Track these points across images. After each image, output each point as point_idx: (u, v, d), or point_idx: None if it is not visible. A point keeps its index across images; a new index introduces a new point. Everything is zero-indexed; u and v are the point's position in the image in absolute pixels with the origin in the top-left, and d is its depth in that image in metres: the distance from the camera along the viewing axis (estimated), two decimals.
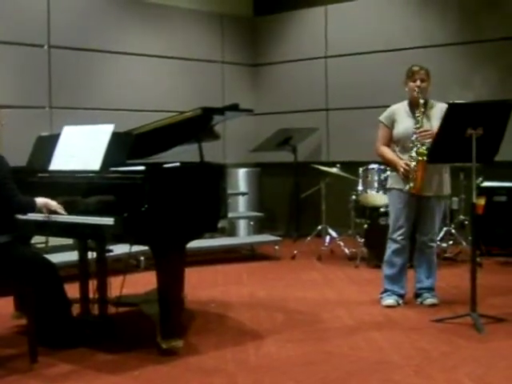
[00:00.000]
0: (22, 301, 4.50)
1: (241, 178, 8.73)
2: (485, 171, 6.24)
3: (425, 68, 5.02)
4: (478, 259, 6.14)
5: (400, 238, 5.03)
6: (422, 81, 4.95)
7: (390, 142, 5.09)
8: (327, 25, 8.76)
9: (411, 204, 5.00)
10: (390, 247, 5.10)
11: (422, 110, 4.86)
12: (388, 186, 5.21)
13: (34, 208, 3.96)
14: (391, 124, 5.05)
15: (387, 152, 5.07)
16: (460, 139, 4.40)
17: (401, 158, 4.96)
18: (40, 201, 3.97)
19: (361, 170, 6.93)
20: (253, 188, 8.75)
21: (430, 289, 5.10)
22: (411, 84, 4.97)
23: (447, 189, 5.10)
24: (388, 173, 5.47)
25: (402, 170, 4.88)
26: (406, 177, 4.88)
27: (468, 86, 7.44)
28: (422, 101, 4.87)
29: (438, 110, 4.93)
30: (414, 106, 4.99)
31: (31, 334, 3.80)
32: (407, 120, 4.99)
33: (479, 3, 7.74)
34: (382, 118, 5.14)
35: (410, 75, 4.98)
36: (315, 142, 8.87)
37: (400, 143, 5.01)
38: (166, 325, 3.98)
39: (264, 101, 9.23)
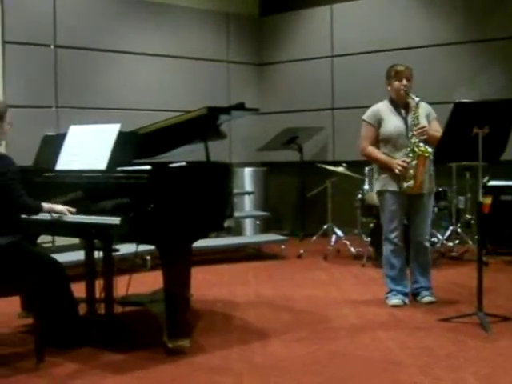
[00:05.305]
0: (28, 300, 4.52)
1: (247, 178, 8.74)
2: (491, 170, 6.22)
3: (409, 67, 5.02)
4: (485, 258, 6.14)
5: (396, 239, 5.03)
6: (408, 80, 4.96)
7: (376, 141, 5.04)
8: (333, 24, 8.75)
9: (403, 204, 4.99)
10: (388, 248, 5.09)
11: (414, 108, 4.86)
12: (379, 188, 5.06)
13: (39, 212, 3.98)
14: (377, 123, 5.00)
15: (377, 152, 5.01)
16: (466, 138, 4.39)
17: (393, 157, 4.92)
18: (46, 206, 3.98)
19: (367, 169, 6.91)
20: (259, 187, 8.75)
21: (428, 287, 5.11)
22: (397, 83, 4.96)
23: (434, 185, 5.10)
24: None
25: (398, 168, 4.84)
26: (403, 176, 4.85)
27: (474, 85, 7.42)
28: (417, 99, 4.85)
29: (423, 108, 4.96)
30: (399, 105, 4.99)
31: (38, 334, 3.81)
32: (395, 119, 4.97)
33: (485, 2, 7.73)
34: (366, 117, 5.07)
35: (395, 74, 4.98)
36: (321, 142, 8.86)
37: (391, 142, 4.96)
38: (172, 324, 3.98)
39: (270, 100, 9.22)
